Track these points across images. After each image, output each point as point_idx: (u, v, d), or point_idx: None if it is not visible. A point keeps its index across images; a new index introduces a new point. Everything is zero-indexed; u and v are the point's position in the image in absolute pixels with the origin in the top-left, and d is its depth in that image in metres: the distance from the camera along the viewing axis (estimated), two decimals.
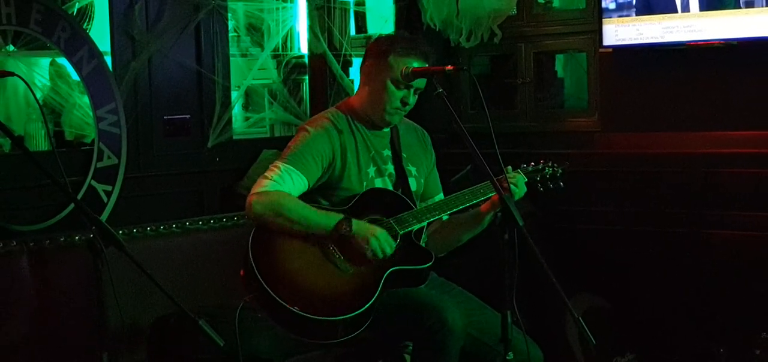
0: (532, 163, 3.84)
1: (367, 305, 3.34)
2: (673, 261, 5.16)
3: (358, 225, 3.43)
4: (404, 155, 3.72)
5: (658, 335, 5.21)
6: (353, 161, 3.60)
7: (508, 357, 3.17)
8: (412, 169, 3.73)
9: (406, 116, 3.73)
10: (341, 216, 3.44)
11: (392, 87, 3.55)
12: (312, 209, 3.47)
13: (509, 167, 3.57)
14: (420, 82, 3.55)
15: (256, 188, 3.44)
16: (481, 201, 3.61)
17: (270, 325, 3.46)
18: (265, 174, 3.49)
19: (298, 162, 3.50)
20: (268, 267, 3.36)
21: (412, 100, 3.60)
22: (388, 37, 3.76)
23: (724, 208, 5.02)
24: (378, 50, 3.61)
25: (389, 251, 3.44)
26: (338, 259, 3.42)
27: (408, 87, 3.55)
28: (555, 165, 3.88)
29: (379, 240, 3.42)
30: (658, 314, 5.21)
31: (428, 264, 3.52)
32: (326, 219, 3.45)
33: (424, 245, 3.62)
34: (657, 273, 5.21)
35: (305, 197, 3.53)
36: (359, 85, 3.72)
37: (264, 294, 3.32)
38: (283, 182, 3.44)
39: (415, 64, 3.53)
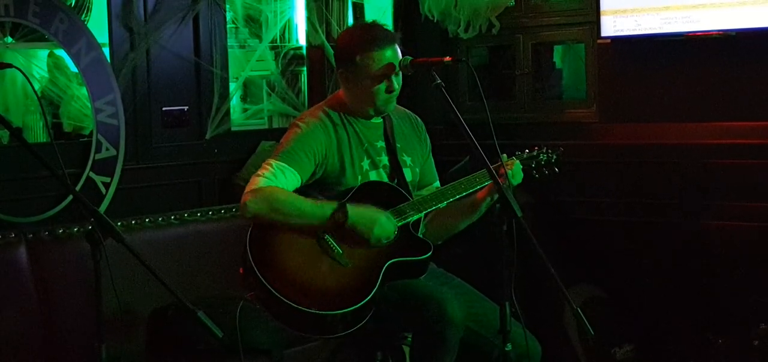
0: (527, 150, 3.84)
1: (367, 298, 3.33)
2: (672, 252, 5.16)
3: (355, 213, 3.42)
4: (398, 145, 3.70)
5: (657, 326, 5.21)
6: (347, 155, 3.58)
7: (506, 348, 3.18)
8: (407, 159, 3.71)
9: (401, 104, 3.72)
10: (336, 204, 3.44)
11: (372, 84, 3.52)
12: (306, 201, 3.45)
13: (504, 155, 3.55)
14: (402, 60, 3.50)
15: (250, 187, 3.43)
16: (478, 189, 3.60)
17: (268, 317, 3.46)
18: (258, 172, 3.47)
19: (291, 158, 3.48)
20: (267, 264, 3.35)
21: (398, 83, 3.55)
22: (347, 38, 3.67)
23: (722, 199, 5.01)
24: (344, 56, 3.57)
25: (392, 235, 3.44)
26: (337, 253, 3.41)
27: (387, 77, 3.52)
28: (549, 150, 3.87)
29: (382, 226, 3.42)
30: (656, 305, 5.21)
31: (427, 255, 3.51)
32: (321, 209, 3.43)
33: (421, 235, 3.61)
34: (655, 264, 5.21)
35: (300, 193, 3.50)
36: (341, 86, 3.66)
37: (264, 291, 3.31)
38: (275, 179, 3.43)
39: (388, 52, 3.49)
